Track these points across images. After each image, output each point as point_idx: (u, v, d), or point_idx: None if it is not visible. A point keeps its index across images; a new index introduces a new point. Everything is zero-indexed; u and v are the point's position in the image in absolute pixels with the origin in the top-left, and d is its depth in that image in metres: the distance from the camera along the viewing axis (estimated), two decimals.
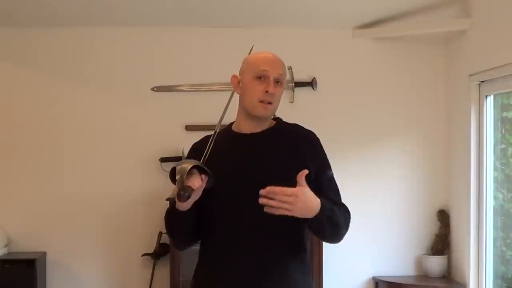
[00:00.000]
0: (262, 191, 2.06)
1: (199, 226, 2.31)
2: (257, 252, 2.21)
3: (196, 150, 2.38)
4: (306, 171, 2.11)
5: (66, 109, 4.57)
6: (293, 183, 2.12)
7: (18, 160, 4.53)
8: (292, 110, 4.54)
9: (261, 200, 2.06)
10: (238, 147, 2.33)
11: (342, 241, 2.34)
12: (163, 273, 4.41)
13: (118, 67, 4.59)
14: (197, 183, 2.14)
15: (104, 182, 4.56)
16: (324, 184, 2.29)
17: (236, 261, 2.22)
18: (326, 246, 4.25)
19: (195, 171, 2.16)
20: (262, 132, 2.34)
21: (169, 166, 4.49)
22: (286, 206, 2.06)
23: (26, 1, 4.14)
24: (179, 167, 2.15)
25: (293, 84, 4.59)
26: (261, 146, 2.31)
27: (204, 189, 2.19)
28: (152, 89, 4.58)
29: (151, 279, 4.41)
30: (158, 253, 4.40)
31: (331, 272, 4.39)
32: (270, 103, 2.29)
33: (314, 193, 2.14)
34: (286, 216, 2.09)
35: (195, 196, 2.16)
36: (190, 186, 2.11)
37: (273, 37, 4.48)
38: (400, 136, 4.68)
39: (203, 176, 2.17)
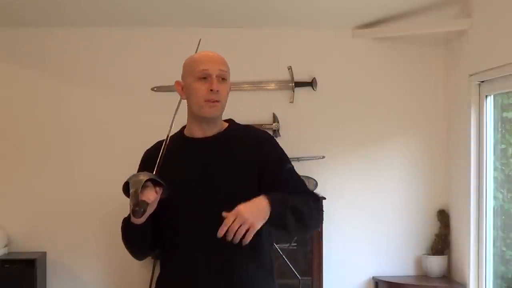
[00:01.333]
0: (220, 236, 1.99)
1: (156, 237, 2.27)
2: (214, 259, 2.16)
3: (148, 158, 2.36)
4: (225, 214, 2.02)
5: (66, 109, 4.57)
6: (246, 188, 2.12)
7: (18, 160, 4.53)
8: (292, 110, 4.55)
9: (227, 239, 2.00)
10: (190, 154, 2.28)
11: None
12: None
13: (118, 67, 4.59)
14: (152, 196, 2.10)
15: (104, 182, 4.54)
16: (284, 179, 2.22)
17: (195, 269, 2.18)
18: (326, 246, 4.25)
19: (149, 183, 2.11)
20: (214, 137, 2.28)
21: None
22: (242, 228, 1.99)
23: (26, 1, 4.14)
24: (132, 180, 2.11)
25: (293, 84, 4.59)
26: (213, 152, 2.25)
27: (159, 200, 2.14)
28: (152, 89, 4.58)
29: (151, 279, 4.41)
30: (158, 253, 4.40)
31: (331, 272, 4.39)
32: (217, 101, 2.22)
33: (275, 190, 2.11)
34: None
35: (150, 209, 2.11)
36: (144, 201, 2.07)
37: (273, 37, 4.48)
38: (400, 136, 4.68)
39: (157, 188, 2.13)
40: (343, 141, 4.60)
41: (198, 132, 2.30)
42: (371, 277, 4.61)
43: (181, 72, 4.64)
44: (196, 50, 2.40)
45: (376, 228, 4.63)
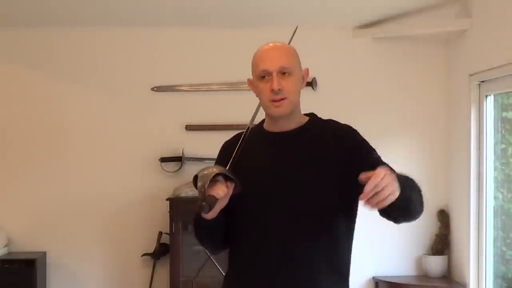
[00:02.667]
0: (362, 196, 1.80)
1: (228, 233, 2.19)
2: (284, 258, 2.08)
3: (226, 150, 2.24)
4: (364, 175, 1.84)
5: (66, 109, 4.57)
6: (324, 183, 2.05)
7: (19, 160, 4.53)
8: None
9: (367, 203, 1.81)
10: (268, 147, 2.20)
11: None
12: (163, 273, 4.40)
13: (118, 67, 4.59)
14: (222, 191, 2.00)
15: (104, 182, 4.56)
16: (376, 163, 2.04)
17: (263, 267, 2.10)
18: None
19: (220, 178, 2.02)
20: (293, 131, 2.20)
21: (169, 166, 4.50)
22: (385, 190, 1.80)
23: (26, 1, 4.14)
24: (201, 174, 2.00)
25: None
26: (291, 146, 2.17)
27: (231, 195, 2.05)
28: (152, 89, 4.58)
29: (151, 279, 4.41)
30: (158, 253, 4.40)
31: None
32: (282, 99, 2.13)
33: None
34: (323, 220, 2.03)
35: (221, 205, 2.03)
36: (213, 196, 1.98)
37: (273, 37, 4.42)
38: (400, 136, 4.68)
39: (228, 183, 2.04)
40: None
41: (275, 127, 2.22)
42: (371, 277, 4.61)
43: (179, 72, 4.63)
44: (290, 40, 2.32)
45: (376, 228, 4.61)
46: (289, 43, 2.32)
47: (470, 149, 4.20)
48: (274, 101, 2.14)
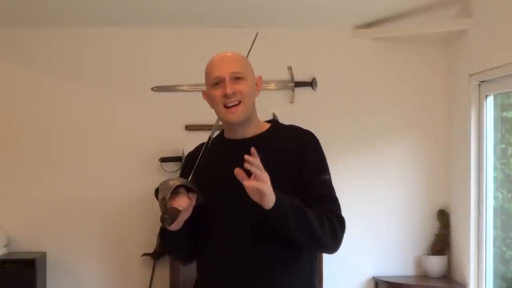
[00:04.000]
0: (239, 171, 1.93)
1: (195, 244, 2.21)
2: (247, 268, 2.10)
3: (188, 162, 2.27)
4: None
5: (66, 110, 4.57)
6: (283, 192, 2.04)
7: (18, 160, 4.53)
8: (292, 110, 4.55)
9: (244, 168, 1.92)
10: (226, 155, 2.19)
11: (342, 241, 2.25)
12: (163, 273, 4.41)
13: (118, 67, 4.59)
14: (184, 203, 2.02)
15: (104, 182, 4.55)
16: (313, 190, 2.12)
17: (227, 277, 2.12)
18: None
19: (181, 189, 2.03)
20: (251, 138, 2.19)
21: (169, 166, 4.50)
22: (257, 184, 1.92)
23: (26, 1, 4.14)
24: (161, 187, 2.02)
25: (293, 84, 4.59)
26: (248, 154, 2.09)
27: (194, 205, 2.07)
28: (152, 89, 4.58)
29: (151, 279, 4.41)
30: (158, 253, 4.40)
31: (331, 272, 4.38)
32: (237, 103, 2.13)
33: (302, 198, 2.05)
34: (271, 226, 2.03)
35: (183, 216, 2.04)
36: (175, 208, 1.99)
37: (273, 37, 4.48)
38: (400, 136, 4.68)
39: (190, 194, 2.05)
40: (343, 141, 4.59)
41: (233, 134, 2.23)
42: (371, 277, 4.61)
43: (181, 72, 4.64)
44: (252, 45, 2.33)
45: (376, 228, 4.63)
46: (249, 50, 2.32)
47: (470, 149, 4.20)
48: (227, 107, 2.14)
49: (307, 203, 2.07)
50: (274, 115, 4.52)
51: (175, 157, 4.47)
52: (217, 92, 2.15)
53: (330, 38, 4.65)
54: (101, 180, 4.54)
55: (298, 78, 4.61)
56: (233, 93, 2.12)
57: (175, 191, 2.01)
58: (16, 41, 4.56)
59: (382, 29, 4.55)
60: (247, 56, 2.29)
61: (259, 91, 2.26)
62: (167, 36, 4.60)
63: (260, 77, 2.27)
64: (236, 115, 2.15)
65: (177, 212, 1.99)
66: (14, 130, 4.54)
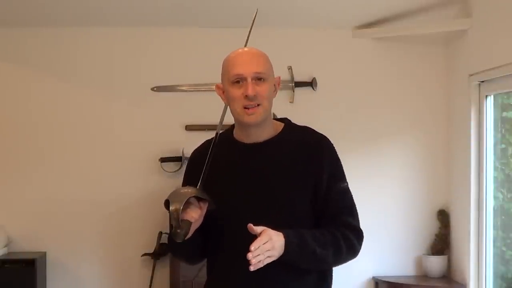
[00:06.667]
0: (250, 256, 1.87)
1: (204, 248, 2.17)
2: (255, 275, 2.00)
3: (195, 160, 2.19)
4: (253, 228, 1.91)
5: (66, 110, 4.57)
6: (296, 202, 2.01)
7: (18, 160, 4.53)
8: (292, 110, 4.54)
9: (251, 265, 1.88)
10: (239, 161, 2.11)
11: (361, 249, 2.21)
12: (163, 273, 4.41)
13: (118, 67, 4.59)
14: (196, 214, 1.97)
15: (104, 182, 4.55)
16: (331, 200, 2.07)
17: (243, 276, 2.04)
18: None
19: (192, 199, 1.97)
20: (265, 143, 2.11)
21: (169, 166, 4.49)
22: (267, 254, 1.90)
23: (27, 1, 4.14)
24: (172, 198, 1.94)
25: (293, 84, 4.59)
26: (263, 160, 2.09)
27: (205, 213, 2.02)
28: (152, 89, 4.58)
29: (151, 279, 4.41)
30: (158, 253, 4.40)
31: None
32: (257, 106, 2.04)
33: (321, 208, 2.03)
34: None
35: (195, 226, 1.99)
36: (187, 220, 1.95)
37: (273, 37, 4.48)
38: (400, 136, 4.68)
39: (201, 204, 1.99)
40: (343, 141, 4.55)
41: (246, 137, 2.13)
42: (371, 277, 4.61)
43: (181, 72, 4.60)
44: (252, 24, 2.22)
45: (376, 228, 4.62)
46: (250, 28, 2.22)
47: (470, 149, 4.20)
48: (247, 108, 2.05)
49: (324, 214, 2.05)
50: (274, 115, 4.51)
51: (175, 157, 4.47)
52: (237, 92, 2.06)
53: (330, 38, 4.65)
54: (101, 180, 4.54)
55: (298, 78, 4.61)
56: (254, 95, 2.03)
57: (186, 201, 1.95)
58: (14, 41, 4.55)
59: (382, 29, 4.55)
60: (247, 37, 2.21)
61: (276, 92, 2.17)
62: (167, 36, 4.60)
63: (279, 78, 2.19)
64: (254, 117, 2.06)
65: (189, 224, 1.95)
66: (15, 130, 4.54)
